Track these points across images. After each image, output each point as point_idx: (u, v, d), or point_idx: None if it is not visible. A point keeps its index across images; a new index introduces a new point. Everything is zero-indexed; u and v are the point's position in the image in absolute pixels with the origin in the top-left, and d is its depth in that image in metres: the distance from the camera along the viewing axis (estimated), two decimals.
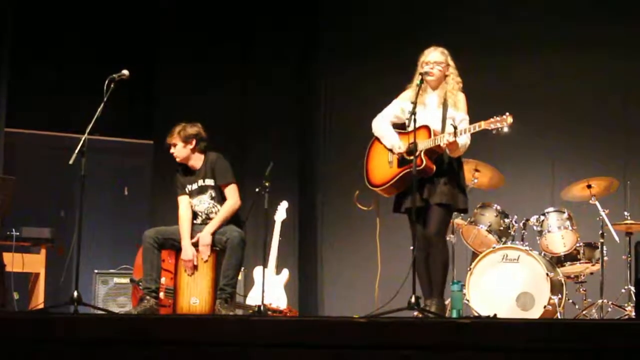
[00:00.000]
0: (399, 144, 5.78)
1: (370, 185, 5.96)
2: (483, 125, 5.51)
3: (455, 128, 5.54)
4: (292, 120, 9.58)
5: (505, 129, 5.44)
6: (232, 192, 6.51)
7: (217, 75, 9.28)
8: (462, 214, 6.92)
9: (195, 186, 6.56)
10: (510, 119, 5.42)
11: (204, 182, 6.55)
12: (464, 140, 5.64)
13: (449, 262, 5.94)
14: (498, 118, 5.45)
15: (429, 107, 5.79)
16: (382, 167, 5.89)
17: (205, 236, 6.39)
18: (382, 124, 5.94)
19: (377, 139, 5.96)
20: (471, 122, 5.68)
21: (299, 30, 9.59)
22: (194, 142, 6.52)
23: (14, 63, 8.65)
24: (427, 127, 5.64)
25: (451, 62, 5.86)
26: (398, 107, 5.92)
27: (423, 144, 5.60)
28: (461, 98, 5.80)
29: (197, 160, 6.58)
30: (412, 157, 5.49)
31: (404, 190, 5.80)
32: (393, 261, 6.27)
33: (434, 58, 5.81)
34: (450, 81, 5.81)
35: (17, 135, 8.79)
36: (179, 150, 6.54)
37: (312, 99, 9.66)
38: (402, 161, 5.77)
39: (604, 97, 8.55)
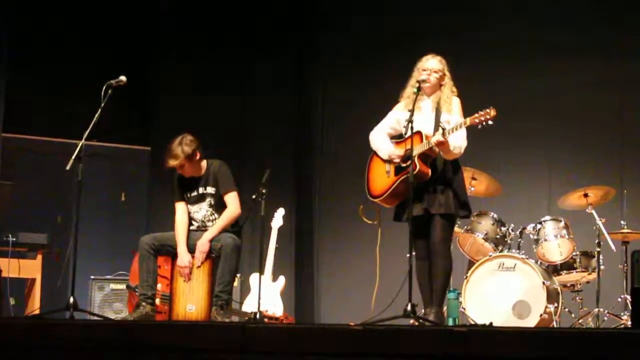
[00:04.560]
0: (396, 153, 5.81)
1: (371, 197, 5.99)
2: (468, 121, 5.54)
3: (443, 129, 5.57)
4: (290, 126, 9.58)
5: (490, 122, 5.45)
6: (232, 200, 6.50)
7: (214, 82, 9.28)
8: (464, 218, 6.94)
9: (194, 193, 6.54)
10: (493, 112, 5.43)
11: (205, 189, 6.53)
12: (458, 141, 5.66)
13: (451, 271, 5.94)
14: (482, 112, 5.47)
15: (423, 113, 5.84)
16: (380, 178, 5.94)
17: (203, 243, 6.38)
18: (377, 137, 6.00)
19: (376, 152, 5.99)
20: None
21: (295, 35, 9.59)
22: (197, 154, 6.49)
23: (11, 68, 8.64)
24: (419, 133, 5.68)
25: (448, 72, 5.89)
26: (393, 118, 5.97)
27: (416, 148, 5.61)
28: (455, 102, 5.84)
29: (199, 169, 6.56)
30: (406, 164, 5.52)
31: (403, 200, 5.81)
32: (391, 270, 6.26)
33: (431, 65, 5.86)
34: (446, 90, 5.85)
35: (14, 141, 8.78)
36: (189, 169, 6.45)
37: (310, 105, 9.67)
38: (398, 169, 5.81)
39: (601, 105, 8.55)
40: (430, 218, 5.76)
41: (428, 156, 5.70)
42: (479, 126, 5.50)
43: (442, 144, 5.60)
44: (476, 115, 5.50)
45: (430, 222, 5.76)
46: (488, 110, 5.45)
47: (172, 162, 6.40)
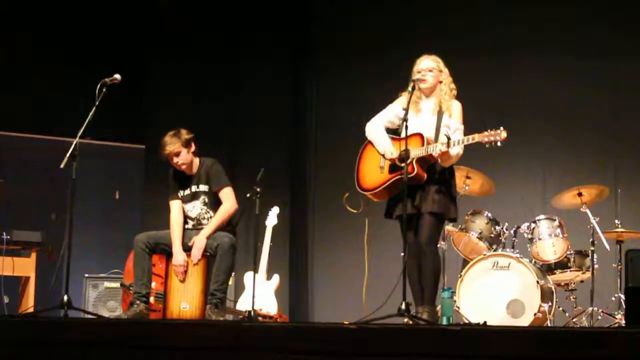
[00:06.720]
0: (392, 150, 5.78)
1: (361, 189, 5.95)
2: (477, 138, 5.48)
3: (448, 139, 5.53)
4: (283, 125, 9.59)
5: (499, 144, 5.44)
6: (228, 196, 6.49)
7: (207, 80, 9.28)
8: (452, 222, 6.93)
9: (188, 192, 6.54)
10: (504, 134, 5.38)
11: (197, 187, 6.52)
12: (456, 150, 5.64)
13: (440, 270, 5.94)
14: (492, 132, 5.42)
15: (423, 114, 5.80)
16: (373, 172, 5.89)
17: (200, 240, 6.37)
18: (375, 128, 5.94)
19: (370, 142, 5.96)
20: (465, 132, 5.69)
21: (289, 34, 9.60)
22: (193, 145, 6.49)
23: (3, 65, 8.63)
24: (420, 135, 5.64)
25: (444, 69, 5.86)
26: (392, 113, 5.92)
27: (415, 151, 5.59)
28: (456, 107, 5.80)
29: (192, 166, 6.56)
30: (403, 164, 5.49)
31: (394, 196, 5.81)
32: (383, 266, 6.27)
33: (425, 65, 5.83)
34: (444, 87, 5.82)
35: (7, 138, 8.76)
36: (185, 157, 6.45)
37: (303, 103, 9.68)
38: (393, 167, 5.77)
39: (595, 105, 8.57)
40: (420, 217, 5.74)
41: (426, 161, 5.67)
42: (487, 145, 5.47)
43: (444, 155, 5.58)
44: (486, 133, 5.44)
45: (419, 221, 5.75)
46: (499, 131, 5.40)
47: (169, 148, 6.40)
